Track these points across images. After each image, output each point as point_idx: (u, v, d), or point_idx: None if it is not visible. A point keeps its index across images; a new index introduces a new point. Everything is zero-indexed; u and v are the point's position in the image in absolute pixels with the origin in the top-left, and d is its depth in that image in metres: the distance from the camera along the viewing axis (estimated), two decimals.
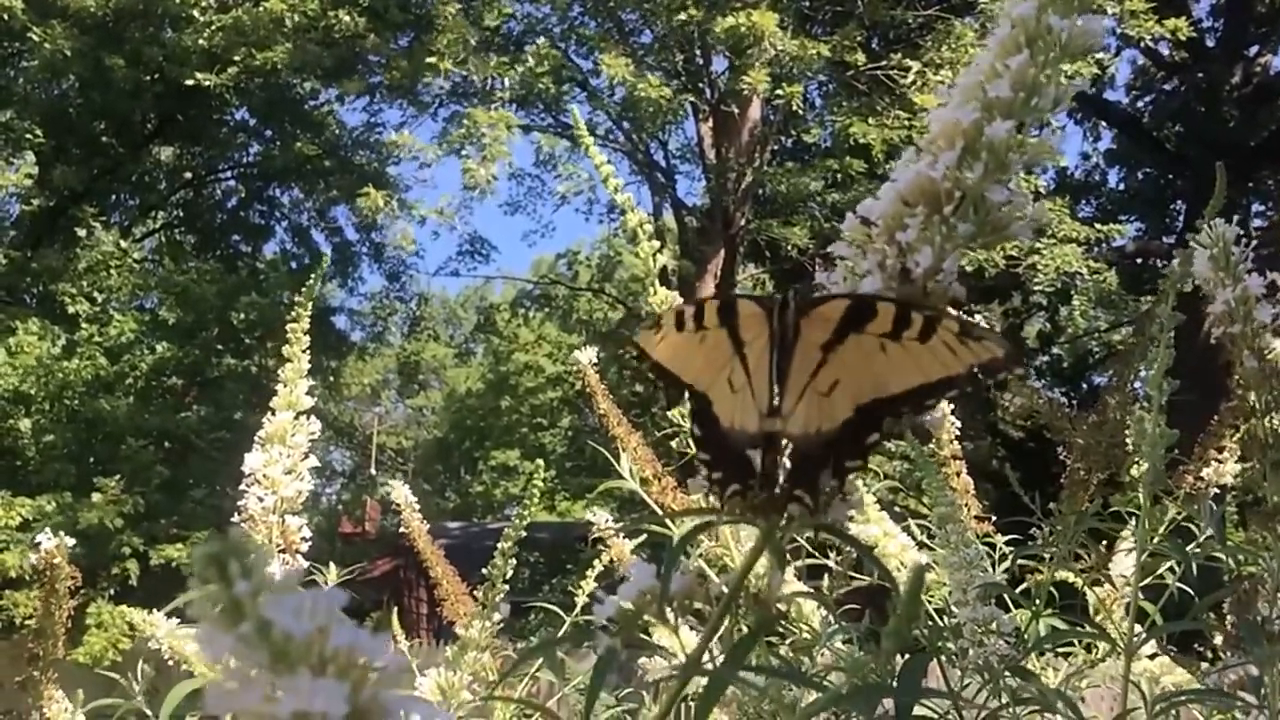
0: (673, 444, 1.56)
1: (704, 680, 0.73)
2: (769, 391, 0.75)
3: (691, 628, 0.88)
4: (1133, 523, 1.57)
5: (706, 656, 0.75)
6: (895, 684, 0.93)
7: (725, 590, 0.78)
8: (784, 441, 0.74)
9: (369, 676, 0.42)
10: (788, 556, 0.81)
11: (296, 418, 1.42)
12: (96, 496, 12.27)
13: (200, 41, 13.44)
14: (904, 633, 0.61)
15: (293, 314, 1.47)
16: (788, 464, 0.74)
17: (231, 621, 0.40)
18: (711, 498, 0.76)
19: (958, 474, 1.90)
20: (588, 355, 1.90)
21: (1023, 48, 0.73)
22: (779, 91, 12.92)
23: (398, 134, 14.98)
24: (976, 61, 0.75)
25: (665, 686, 1.84)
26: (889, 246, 0.75)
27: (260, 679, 0.40)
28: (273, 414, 1.42)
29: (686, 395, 0.80)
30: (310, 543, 1.39)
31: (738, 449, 0.75)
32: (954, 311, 0.76)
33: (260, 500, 1.37)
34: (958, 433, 1.97)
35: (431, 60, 13.11)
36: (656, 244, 1.55)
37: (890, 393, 0.73)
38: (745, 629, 0.81)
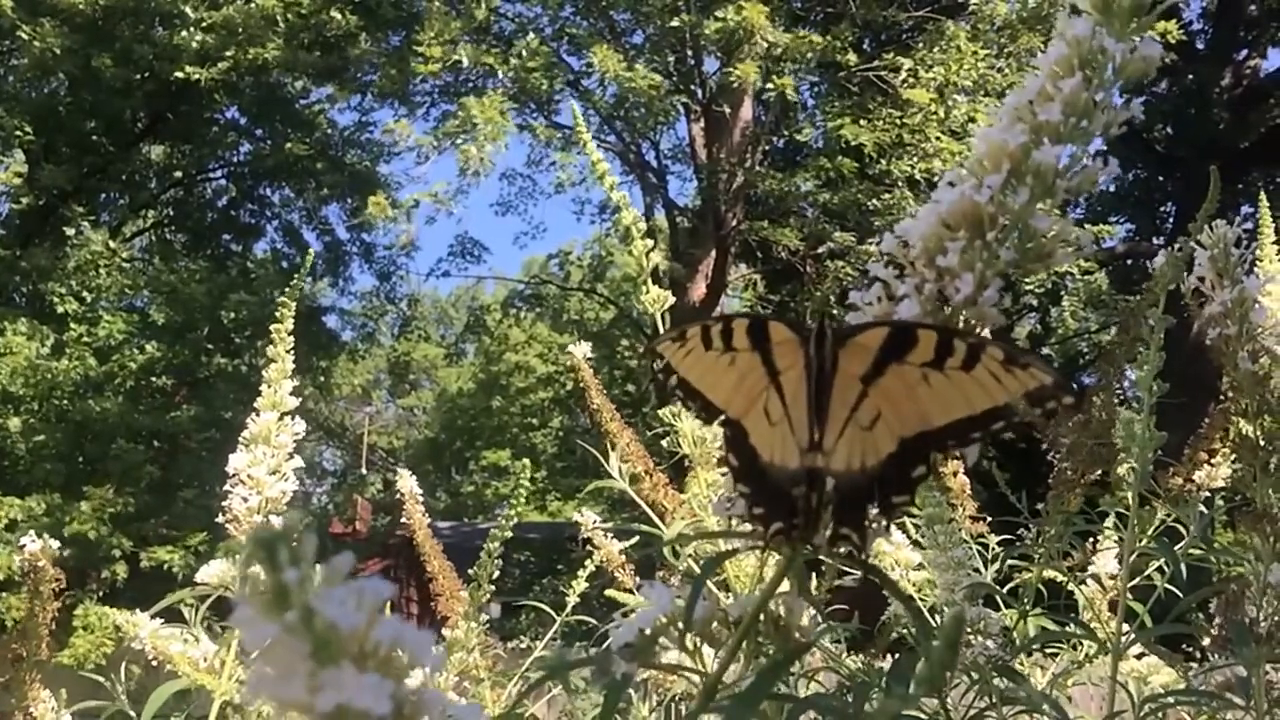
0: (663, 443, 1.56)
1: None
2: (809, 426, 0.72)
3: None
4: (1110, 520, 1.58)
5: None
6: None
7: (741, 613, 0.76)
8: (827, 478, 0.71)
9: (409, 673, 0.41)
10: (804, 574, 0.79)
11: (281, 418, 1.42)
12: (85, 505, 12.20)
13: (194, 45, 13.39)
14: (938, 680, 0.60)
15: (277, 314, 1.46)
16: (831, 500, 0.71)
17: (276, 608, 0.38)
18: (742, 525, 0.74)
19: (954, 474, 1.90)
20: (582, 350, 1.88)
21: (1076, 70, 0.70)
22: (770, 84, 12.90)
23: (395, 122, 14.90)
24: (1027, 83, 0.73)
25: (654, 688, 1.84)
26: (928, 270, 0.73)
27: (302, 668, 0.39)
28: (257, 414, 1.41)
29: (719, 421, 0.77)
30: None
31: (779, 485, 0.72)
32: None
33: (245, 500, 1.36)
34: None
35: (420, 49, 13.05)
36: (649, 243, 1.54)
37: (934, 425, 0.70)
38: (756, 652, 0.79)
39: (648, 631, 0.74)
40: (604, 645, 0.76)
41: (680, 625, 0.74)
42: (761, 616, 0.74)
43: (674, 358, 0.79)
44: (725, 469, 0.77)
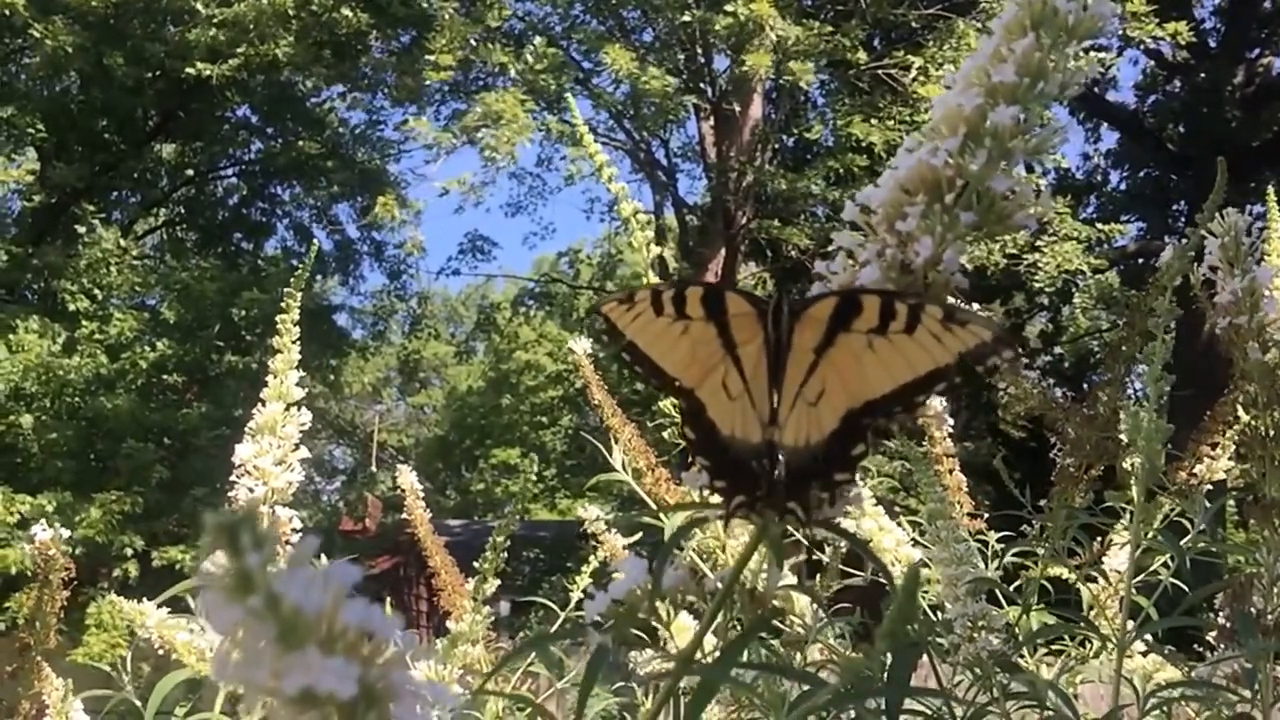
0: (664, 435, 1.56)
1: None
2: (769, 401, 0.72)
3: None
4: (1126, 518, 1.57)
5: (703, 651, 0.74)
6: (885, 681, 0.93)
7: (720, 586, 0.77)
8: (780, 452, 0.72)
9: (378, 656, 0.41)
10: (785, 552, 0.79)
11: (287, 409, 1.42)
12: (94, 511, 12.22)
13: (205, 41, 13.43)
14: (899, 633, 0.61)
15: (283, 304, 1.47)
16: (783, 472, 0.71)
17: (240, 593, 0.38)
18: (709, 496, 0.74)
19: (950, 471, 1.90)
20: (583, 345, 1.88)
21: (1028, 30, 0.70)
22: (787, 68, 12.81)
23: (413, 119, 14.87)
24: (981, 46, 0.72)
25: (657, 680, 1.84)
26: (889, 236, 0.72)
27: (267, 653, 0.38)
28: (263, 405, 1.41)
29: (671, 390, 0.77)
30: (302, 534, 1.39)
31: (740, 458, 0.72)
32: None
33: (251, 491, 1.36)
34: (952, 431, 1.98)
35: (430, 57, 13.07)
36: (650, 233, 1.55)
37: (879, 393, 0.70)
38: (739, 625, 0.80)
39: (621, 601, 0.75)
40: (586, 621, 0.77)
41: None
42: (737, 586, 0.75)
43: (620, 320, 0.77)
44: (682, 440, 0.77)
